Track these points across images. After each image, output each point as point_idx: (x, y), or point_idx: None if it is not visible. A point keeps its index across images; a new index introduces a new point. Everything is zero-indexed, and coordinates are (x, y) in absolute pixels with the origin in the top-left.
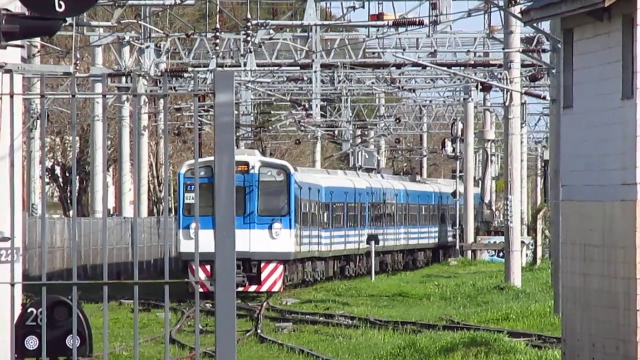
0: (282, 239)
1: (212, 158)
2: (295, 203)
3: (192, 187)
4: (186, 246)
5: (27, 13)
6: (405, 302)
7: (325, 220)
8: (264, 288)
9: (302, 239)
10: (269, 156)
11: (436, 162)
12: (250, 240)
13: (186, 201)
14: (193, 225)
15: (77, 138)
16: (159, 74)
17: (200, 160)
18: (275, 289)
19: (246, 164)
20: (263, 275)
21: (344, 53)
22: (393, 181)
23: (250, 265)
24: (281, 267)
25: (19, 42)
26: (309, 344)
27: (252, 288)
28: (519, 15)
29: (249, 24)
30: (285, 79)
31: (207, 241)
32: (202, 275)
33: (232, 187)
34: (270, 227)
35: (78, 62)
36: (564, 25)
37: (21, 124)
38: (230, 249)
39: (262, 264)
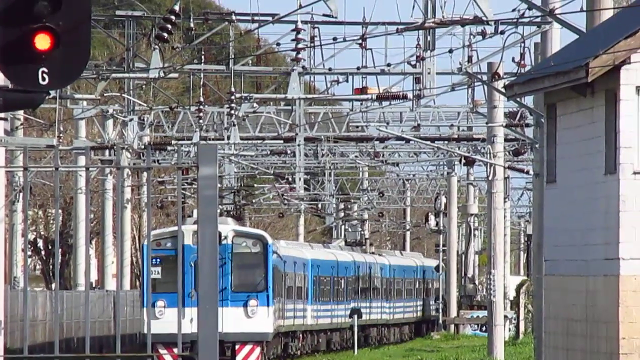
0: (259, 318)
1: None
2: (274, 277)
3: (157, 260)
4: (152, 327)
5: (10, 86)
6: None
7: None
8: None
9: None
10: (250, 226)
11: (419, 235)
12: (223, 319)
13: (151, 276)
14: (159, 303)
15: (60, 211)
16: (143, 146)
17: (166, 230)
18: None
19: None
20: (238, 359)
21: (328, 126)
22: (344, 252)
23: (223, 348)
24: (258, 350)
25: (1, 115)
26: None
27: None
28: (503, 90)
29: (232, 97)
30: (268, 152)
31: (176, 321)
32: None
33: (215, 259)
34: (245, 305)
35: (61, 134)
36: (547, 100)
37: (4, 196)
38: (213, 323)
39: (237, 346)
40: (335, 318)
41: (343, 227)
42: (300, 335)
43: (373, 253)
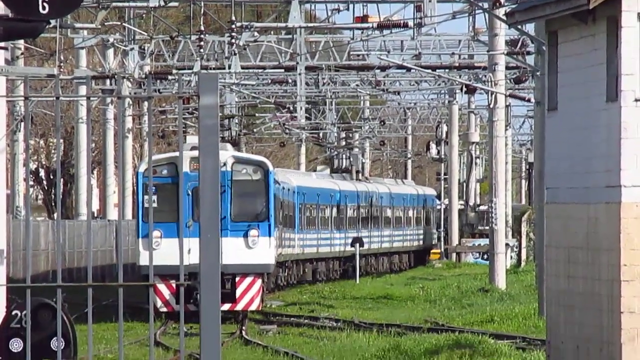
0: (260, 249)
1: (176, 154)
2: (275, 205)
3: (153, 188)
4: (146, 259)
5: (10, 15)
6: (390, 305)
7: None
8: (239, 306)
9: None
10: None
11: (421, 164)
12: (223, 250)
13: (145, 205)
14: (155, 234)
15: (61, 140)
16: (143, 76)
17: (162, 156)
18: (253, 307)
19: None
20: (238, 292)
21: (329, 55)
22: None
23: (222, 280)
24: (259, 282)
25: (2, 44)
26: (294, 346)
27: (226, 307)
28: (504, 18)
29: (233, 26)
30: (269, 81)
31: (172, 253)
32: (165, 292)
33: (216, 189)
34: (245, 235)
35: (62, 64)
36: (548, 27)
37: (5, 126)
38: (215, 254)
39: (237, 279)
40: (321, 247)
41: (344, 155)
42: (290, 265)
43: (360, 180)
